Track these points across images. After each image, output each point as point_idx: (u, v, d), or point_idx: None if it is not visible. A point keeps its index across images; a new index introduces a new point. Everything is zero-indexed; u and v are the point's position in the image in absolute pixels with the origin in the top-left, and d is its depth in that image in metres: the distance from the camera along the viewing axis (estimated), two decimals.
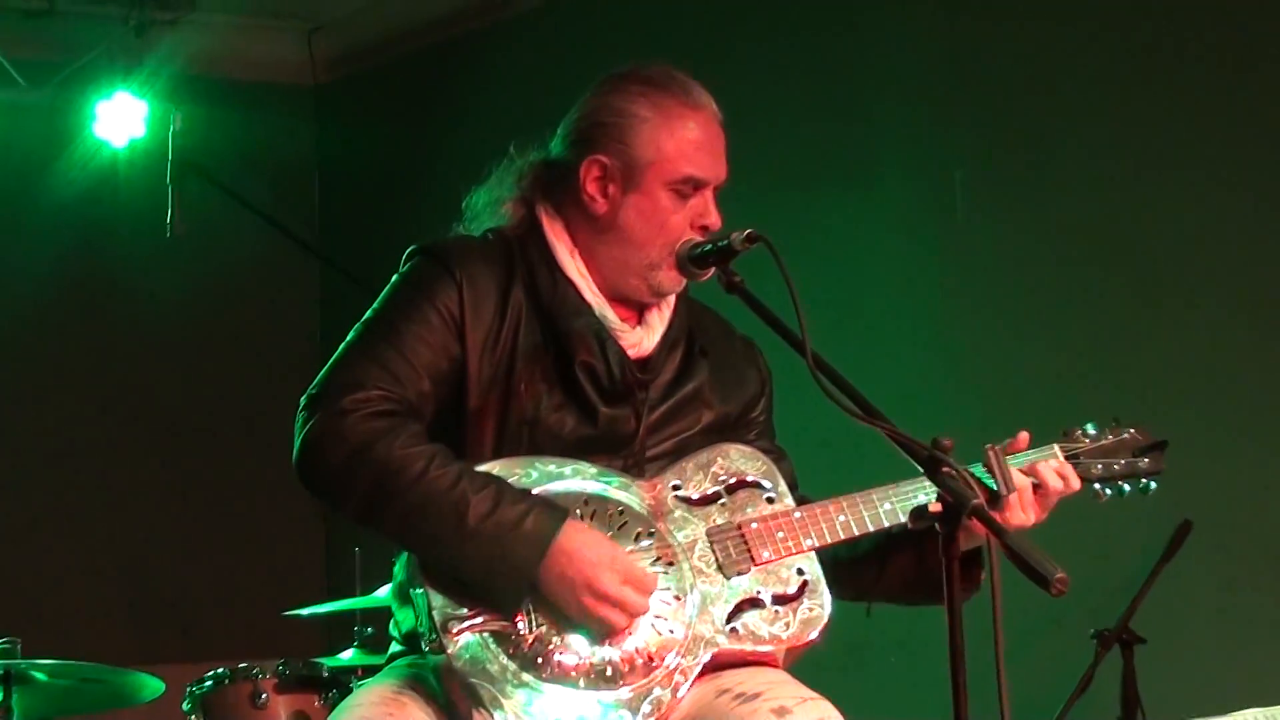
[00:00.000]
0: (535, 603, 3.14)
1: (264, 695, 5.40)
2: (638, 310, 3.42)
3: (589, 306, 3.34)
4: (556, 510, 3.15)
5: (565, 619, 3.14)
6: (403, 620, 3.35)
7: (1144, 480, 3.56)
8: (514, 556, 3.09)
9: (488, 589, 3.12)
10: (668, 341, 3.42)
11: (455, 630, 3.10)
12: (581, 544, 3.13)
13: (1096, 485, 3.52)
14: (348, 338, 3.28)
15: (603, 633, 3.14)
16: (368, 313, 3.32)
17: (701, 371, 3.43)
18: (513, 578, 3.11)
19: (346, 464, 3.11)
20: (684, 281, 3.37)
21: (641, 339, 3.39)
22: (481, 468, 3.19)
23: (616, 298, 3.39)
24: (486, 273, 3.31)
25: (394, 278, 3.37)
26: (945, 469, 2.91)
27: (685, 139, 3.34)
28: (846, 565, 3.45)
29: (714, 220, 3.34)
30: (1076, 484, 3.42)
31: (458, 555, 3.10)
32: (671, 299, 3.44)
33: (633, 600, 3.14)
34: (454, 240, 3.42)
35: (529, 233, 3.39)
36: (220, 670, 5.47)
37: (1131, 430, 3.58)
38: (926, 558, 3.32)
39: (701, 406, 3.41)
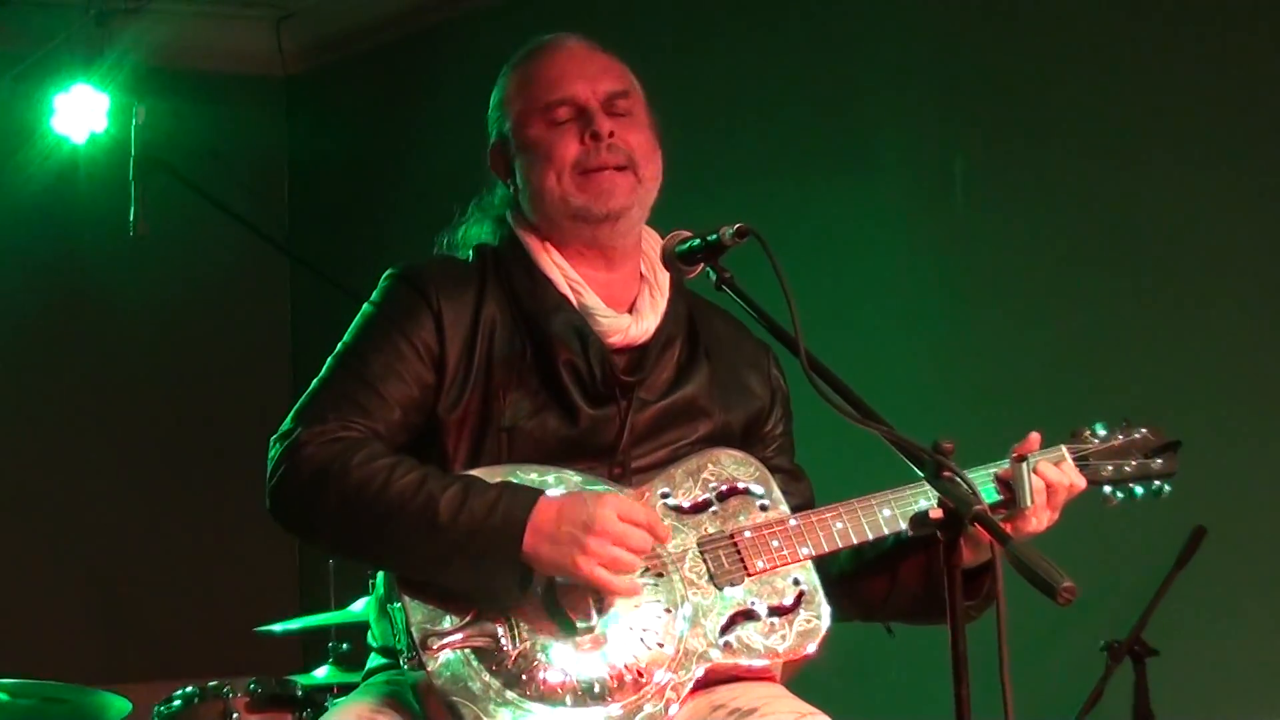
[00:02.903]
0: (519, 614, 3.13)
1: (235, 715, 5.41)
2: (629, 294, 3.42)
3: (568, 300, 3.35)
4: (528, 491, 3.15)
5: (571, 583, 3.12)
6: (381, 634, 3.34)
7: (1156, 482, 3.55)
8: (494, 549, 3.09)
9: (478, 588, 3.12)
10: (662, 336, 3.41)
11: (435, 647, 3.09)
12: (562, 505, 3.13)
13: (1106, 489, 3.51)
14: (321, 372, 3.32)
15: (614, 582, 3.12)
16: (340, 343, 3.36)
17: (700, 375, 3.42)
18: (500, 570, 3.10)
19: (306, 494, 3.15)
20: (614, 198, 3.36)
21: (629, 326, 3.38)
22: None
23: (596, 266, 3.40)
24: (463, 292, 3.35)
25: (367, 304, 3.40)
26: (946, 473, 2.90)
27: (537, 77, 3.44)
28: (853, 582, 3.45)
29: (598, 125, 3.37)
30: (1081, 483, 3.41)
31: (437, 560, 3.10)
32: (666, 289, 3.44)
33: (635, 536, 3.12)
34: (431, 263, 3.46)
35: (509, 241, 3.44)
36: (189, 689, 5.47)
37: (1143, 430, 3.57)
38: (935, 577, 3.30)
39: (698, 415, 3.40)
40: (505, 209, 3.48)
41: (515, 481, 3.18)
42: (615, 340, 3.36)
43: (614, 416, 3.33)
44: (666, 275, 3.44)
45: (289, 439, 3.19)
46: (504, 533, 3.09)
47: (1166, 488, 3.56)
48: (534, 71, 3.44)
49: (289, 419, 3.25)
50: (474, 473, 3.20)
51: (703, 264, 3.26)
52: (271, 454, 3.22)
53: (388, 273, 3.43)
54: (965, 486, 2.88)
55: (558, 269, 3.38)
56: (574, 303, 3.36)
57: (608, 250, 3.41)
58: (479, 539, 3.08)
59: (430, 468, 3.17)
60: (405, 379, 3.26)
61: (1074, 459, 3.46)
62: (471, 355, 3.29)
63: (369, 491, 3.11)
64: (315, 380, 3.30)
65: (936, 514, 2.91)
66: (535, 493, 3.14)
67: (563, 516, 3.10)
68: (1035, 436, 3.43)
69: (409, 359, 3.27)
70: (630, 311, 3.40)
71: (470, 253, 3.47)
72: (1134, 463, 3.53)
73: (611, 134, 3.36)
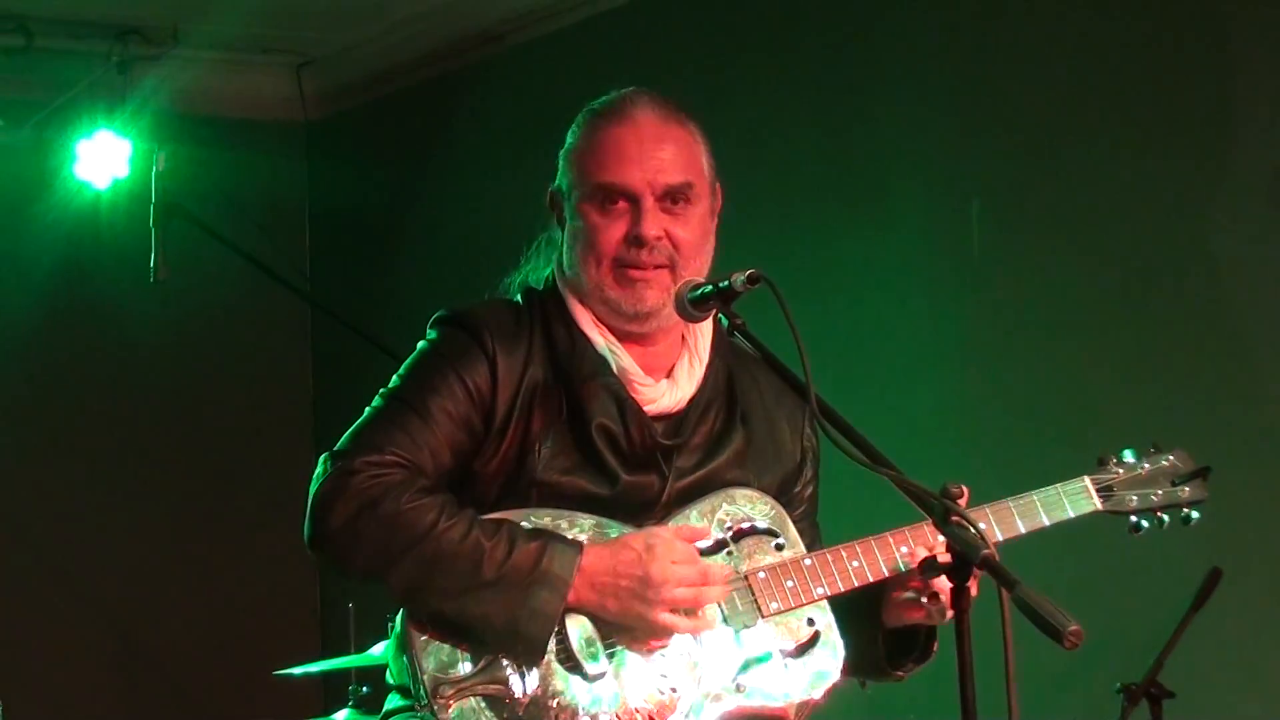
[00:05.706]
0: (534, 659, 3.16)
1: None
2: (669, 361, 3.43)
3: (606, 362, 3.37)
4: (571, 543, 3.18)
5: (633, 635, 3.19)
6: (398, 673, 3.36)
7: (1185, 510, 3.56)
8: (537, 599, 3.13)
9: (512, 638, 3.15)
10: (699, 403, 3.43)
11: (447, 695, 3.11)
12: (612, 558, 3.18)
13: (1132, 518, 3.52)
14: (373, 403, 3.34)
15: (683, 625, 3.19)
16: (394, 379, 3.37)
17: (734, 443, 3.44)
18: (539, 621, 3.14)
19: (351, 523, 3.16)
20: (645, 301, 3.36)
21: (664, 394, 3.40)
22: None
23: (634, 339, 3.40)
24: (517, 345, 3.36)
25: (422, 343, 3.42)
26: (954, 518, 2.92)
27: (599, 150, 3.39)
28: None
29: (644, 229, 3.33)
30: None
31: (476, 607, 3.13)
32: (706, 354, 3.45)
33: (687, 574, 3.19)
34: (485, 308, 3.45)
35: (553, 291, 3.45)
36: None
37: (1170, 457, 3.59)
38: (860, 637, 3.39)
39: (733, 485, 3.42)
40: (557, 252, 3.48)
41: (549, 528, 3.22)
42: (650, 409, 3.38)
43: (651, 482, 3.35)
44: (708, 338, 3.45)
45: (343, 461, 3.20)
46: (550, 585, 3.13)
47: (1195, 515, 3.57)
48: (599, 138, 3.40)
49: (345, 440, 3.26)
50: (493, 517, 3.22)
51: (715, 310, 3.29)
52: (319, 471, 3.22)
53: (441, 315, 3.43)
54: (973, 531, 2.90)
55: (596, 328, 3.39)
56: (612, 365, 3.37)
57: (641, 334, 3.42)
58: (523, 590, 3.12)
59: (474, 512, 3.20)
60: (456, 421, 3.28)
61: (1098, 489, 3.49)
62: (513, 409, 3.30)
63: (416, 531, 3.13)
64: (371, 408, 3.32)
65: (946, 558, 2.94)
66: (577, 545, 3.18)
67: (619, 572, 3.17)
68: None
69: (462, 401, 3.29)
70: (668, 377, 3.42)
71: (519, 296, 3.47)
72: (1160, 491, 3.55)
73: (659, 237, 3.34)
